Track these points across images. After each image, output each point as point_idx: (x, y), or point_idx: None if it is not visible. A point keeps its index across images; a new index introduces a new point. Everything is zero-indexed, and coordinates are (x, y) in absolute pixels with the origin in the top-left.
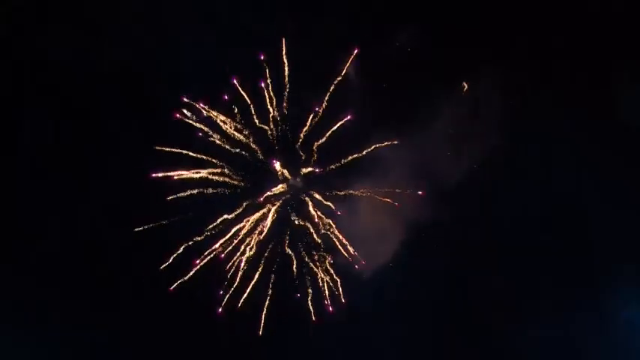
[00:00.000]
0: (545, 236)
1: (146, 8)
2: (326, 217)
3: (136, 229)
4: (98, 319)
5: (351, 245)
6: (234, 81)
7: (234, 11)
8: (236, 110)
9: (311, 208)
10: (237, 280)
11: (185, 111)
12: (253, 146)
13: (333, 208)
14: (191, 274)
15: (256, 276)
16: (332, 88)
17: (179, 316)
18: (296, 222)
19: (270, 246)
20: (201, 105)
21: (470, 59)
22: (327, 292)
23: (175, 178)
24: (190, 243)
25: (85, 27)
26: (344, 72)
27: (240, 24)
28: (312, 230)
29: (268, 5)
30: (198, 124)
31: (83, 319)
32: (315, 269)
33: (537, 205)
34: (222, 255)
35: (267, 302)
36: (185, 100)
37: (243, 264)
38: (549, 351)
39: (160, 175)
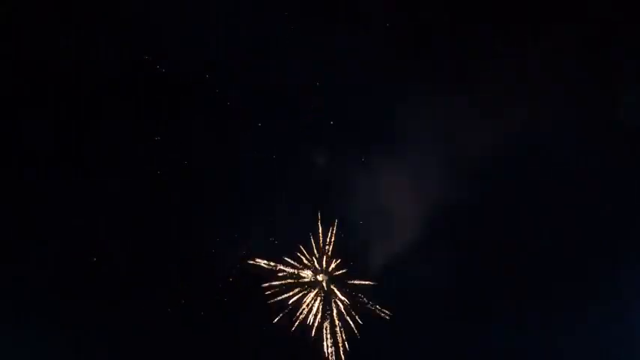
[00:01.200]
0: (548, 236)
1: (146, 7)
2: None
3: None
4: (98, 319)
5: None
6: None
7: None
8: None
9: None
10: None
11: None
12: None
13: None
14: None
15: None
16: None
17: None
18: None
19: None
20: None
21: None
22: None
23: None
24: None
25: (84, 26)
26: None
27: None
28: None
29: None
30: None
31: (83, 319)
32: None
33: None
34: None
35: None
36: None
37: None
38: (551, 351)
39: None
